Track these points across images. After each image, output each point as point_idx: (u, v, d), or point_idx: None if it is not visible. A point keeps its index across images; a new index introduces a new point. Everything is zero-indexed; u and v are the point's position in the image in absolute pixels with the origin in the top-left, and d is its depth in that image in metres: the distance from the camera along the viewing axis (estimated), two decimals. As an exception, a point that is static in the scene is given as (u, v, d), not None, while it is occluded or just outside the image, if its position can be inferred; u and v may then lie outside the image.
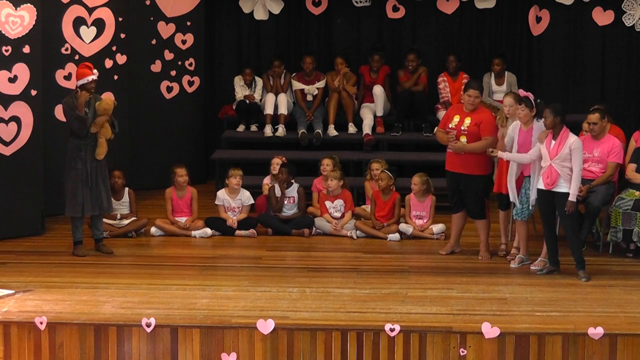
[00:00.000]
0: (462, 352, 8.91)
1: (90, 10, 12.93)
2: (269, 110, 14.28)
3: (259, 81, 14.62)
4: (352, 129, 14.21)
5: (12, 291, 9.87)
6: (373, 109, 14.29)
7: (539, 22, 14.72)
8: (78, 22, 12.82)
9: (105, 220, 11.69)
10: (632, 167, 11.53)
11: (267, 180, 12.81)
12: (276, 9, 14.86)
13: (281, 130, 14.16)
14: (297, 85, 14.43)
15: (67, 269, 10.75)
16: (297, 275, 10.56)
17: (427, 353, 8.91)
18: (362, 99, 14.45)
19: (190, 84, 14.53)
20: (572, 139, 10.26)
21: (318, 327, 9.00)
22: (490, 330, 8.87)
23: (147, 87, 14.13)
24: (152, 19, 14.08)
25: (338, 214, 12.38)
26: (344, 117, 14.29)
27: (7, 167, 11.67)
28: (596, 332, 8.84)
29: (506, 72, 14.30)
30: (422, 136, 14.13)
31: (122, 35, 13.39)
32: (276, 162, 12.64)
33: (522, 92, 10.74)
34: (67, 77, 12.68)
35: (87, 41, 12.95)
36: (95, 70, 11.17)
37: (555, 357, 8.87)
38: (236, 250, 11.68)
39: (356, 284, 10.30)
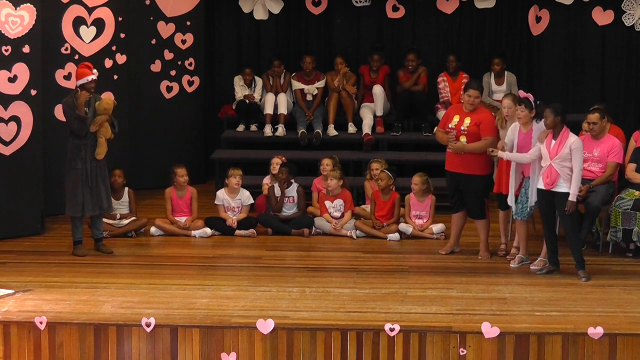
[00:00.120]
0: (462, 352, 8.91)
1: (90, 10, 12.93)
2: (269, 110, 14.28)
3: (259, 81, 14.62)
4: (352, 129, 14.21)
5: (12, 291, 9.87)
6: (373, 109, 14.29)
7: (539, 22, 14.72)
8: (78, 22, 12.82)
9: (105, 220, 11.69)
10: (632, 167, 11.53)
11: (267, 180, 12.81)
12: (276, 9, 14.86)
13: (281, 130, 14.16)
14: (297, 85, 14.43)
15: (67, 269, 10.75)
16: (297, 275, 10.56)
17: (427, 353, 8.91)
18: (362, 99, 14.45)
19: (190, 84, 14.53)
20: (573, 139, 10.26)
21: (318, 327, 9.01)
22: (490, 330, 8.87)
23: (147, 87, 14.13)
24: (152, 19, 14.09)
25: (338, 214, 12.38)
26: (344, 117, 14.30)
27: (7, 167, 11.67)
28: (596, 332, 8.84)
29: (506, 72, 14.30)
30: (422, 136, 14.13)
31: (122, 35, 13.39)
32: (276, 162, 12.64)
33: (522, 94, 10.74)
34: (67, 77, 12.68)
35: (87, 41, 12.95)
36: (95, 70, 11.17)
37: (555, 357, 8.88)
38: (236, 250, 11.68)
39: (356, 284, 10.30)
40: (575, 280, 10.39)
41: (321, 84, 14.41)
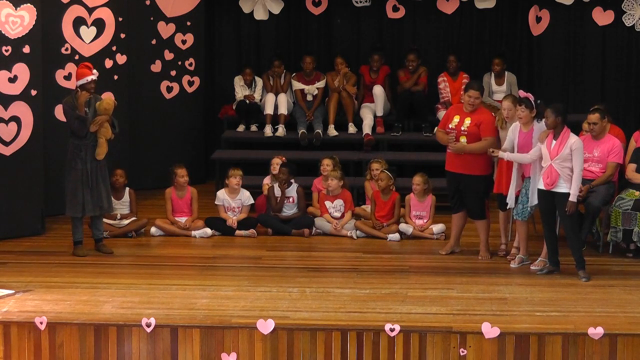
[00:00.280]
0: (462, 352, 8.91)
1: (90, 10, 12.93)
2: (269, 110, 14.28)
3: (259, 81, 14.62)
4: (352, 129, 14.21)
5: (12, 291, 9.87)
6: (373, 109, 14.29)
7: (539, 22, 14.72)
8: (78, 22, 12.82)
9: (105, 220, 11.70)
10: (632, 167, 11.53)
11: (267, 180, 12.81)
12: (276, 9, 14.86)
13: (281, 130, 14.16)
14: (297, 85, 14.43)
15: (67, 269, 10.75)
16: (297, 275, 10.56)
17: (427, 353, 8.91)
18: (362, 99, 14.45)
19: (190, 84, 14.53)
20: (573, 139, 10.26)
21: (318, 327, 9.01)
22: (490, 330, 8.87)
23: (147, 87, 14.13)
24: (152, 19, 14.08)
25: (338, 214, 12.38)
26: (344, 117, 14.29)
27: (7, 167, 11.67)
28: (596, 332, 8.84)
29: (506, 72, 14.30)
30: (422, 136, 14.12)
31: (122, 35, 13.39)
32: (276, 162, 12.64)
33: (522, 93, 10.74)
34: (67, 77, 12.68)
35: (87, 41, 12.95)
36: (95, 71, 11.17)
37: (555, 357, 8.88)
38: (236, 250, 11.68)
39: (356, 284, 10.30)
40: (575, 280, 10.39)
41: (321, 84, 14.41)
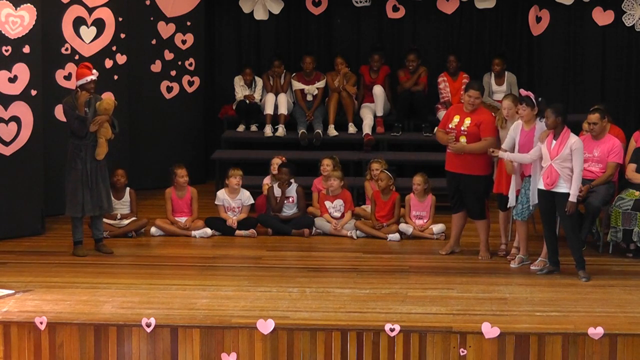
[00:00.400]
0: (462, 352, 8.91)
1: (90, 10, 12.93)
2: (269, 110, 14.28)
3: (259, 81, 14.62)
4: (352, 129, 14.21)
5: (12, 291, 9.87)
6: (373, 109, 14.29)
7: (539, 22, 14.72)
8: (78, 22, 12.82)
9: (105, 220, 11.70)
10: (632, 167, 11.53)
11: (267, 180, 12.81)
12: (276, 9, 14.86)
13: (281, 130, 14.15)
14: (297, 85, 14.43)
15: (67, 269, 10.75)
16: (297, 275, 10.56)
17: (427, 353, 8.91)
18: (362, 99, 14.45)
19: (190, 84, 14.53)
20: (573, 139, 10.26)
21: (318, 327, 9.00)
22: (490, 330, 8.87)
23: (147, 87, 14.13)
24: (152, 19, 14.08)
25: (338, 214, 12.38)
26: (344, 117, 14.29)
27: (7, 167, 11.67)
28: (596, 332, 8.84)
29: (506, 72, 14.30)
30: (422, 136, 14.12)
31: (122, 35, 13.39)
32: (276, 162, 12.64)
33: (522, 92, 10.74)
34: (67, 77, 12.68)
35: (87, 41, 12.95)
36: (94, 71, 11.17)
37: (555, 357, 8.88)
38: (236, 250, 11.68)
39: (356, 284, 10.30)
40: (575, 280, 10.39)
41: (321, 84, 14.41)
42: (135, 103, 13.87)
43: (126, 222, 12.12)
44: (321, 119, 14.22)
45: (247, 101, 14.43)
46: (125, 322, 9.10)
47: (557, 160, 10.24)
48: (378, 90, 14.24)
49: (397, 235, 12.01)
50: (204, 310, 9.37)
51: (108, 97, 11.34)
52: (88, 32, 12.94)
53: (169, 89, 14.36)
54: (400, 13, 14.88)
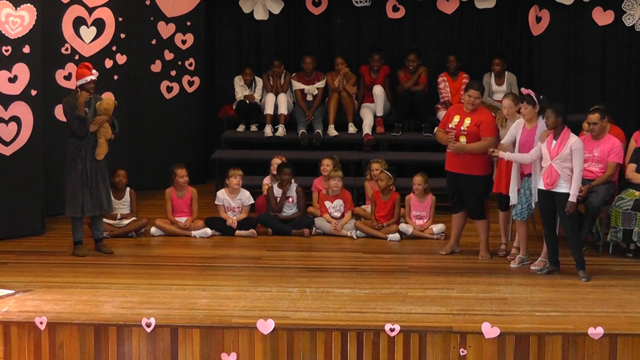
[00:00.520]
0: (462, 352, 8.91)
1: (90, 10, 12.93)
2: (269, 110, 14.28)
3: (259, 81, 14.62)
4: (352, 129, 14.21)
5: (12, 291, 9.87)
6: (373, 109, 14.29)
7: (539, 22, 14.71)
8: (78, 22, 12.82)
9: (105, 220, 11.70)
10: (632, 167, 11.53)
11: (267, 180, 12.81)
12: (276, 9, 14.86)
13: (281, 130, 14.15)
14: (297, 85, 14.43)
15: (67, 269, 10.75)
16: (297, 275, 10.56)
17: (427, 353, 8.91)
18: (362, 99, 14.45)
19: (190, 84, 14.53)
20: (573, 139, 10.26)
21: (318, 327, 9.00)
22: (490, 330, 8.87)
23: (147, 87, 14.13)
24: (152, 19, 14.08)
25: (338, 214, 12.38)
26: (344, 117, 14.29)
27: (7, 167, 11.67)
28: (596, 332, 8.84)
29: (506, 72, 14.30)
30: (422, 136, 14.12)
31: (122, 35, 13.39)
32: (276, 162, 12.64)
33: (524, 90, 10.73)
34: (67, 77, 12.68)
35: (87, 41, 12.95)
36: (94, 71, 11.17)
37: (555, 357, 8.88)
38: (236, 250, 11.68)
39: (356, 284, 10.30)
40: (575, 280, 10.39)
41: (321, 84, 14.41)
42: (135, 103, 13.87)
43: (126, 222, 12.12)
44: (321, 119, 14.22)
45: (247, 101, 14.42)
46: (125, 322, 9.10)
47: (557, 160, 10.24)
48: (378, 90, 14.24)
49: (397, 235, 12.01)
50: (204, 310, 9.37)
51: (108, 97, 11.34)
52: (88, 32, 12.94)
53: (169, 89, 14.36)
54: (400, 13, 14.88)
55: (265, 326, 8.98)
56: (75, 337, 9.09)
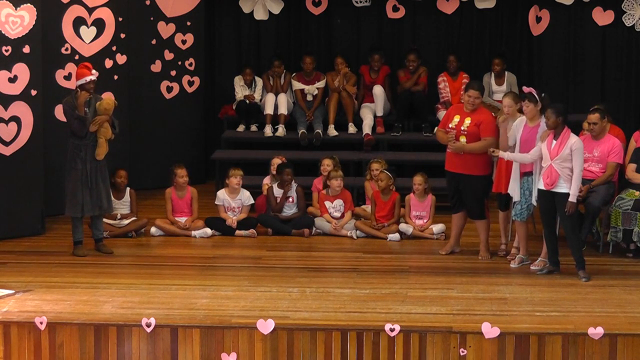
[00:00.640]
0: (462, 352, 8.91)
1: (90, 10, 12.93)
2: (269, 110, 14.28)
3: (259, 81, 14.61)
4: (352, 129, 14.21)
5: (12, 291, 9.87)
6: (373, 109, 14.29)
7: (539, 22, 14.71)
8: (78, 22, 12.82)
9: (105, 220, 11.69)
10: (632, 167, 11.53)
11: (267, 180, 12.81)
12: (276, 9, 14.86)
13: (281, 130, 14.15)
14: (297, 85, 14.43)
15: (67, 269, 10.75)
16: (297, 275, 10.56)
17: (427, 353, 8.91)
18: (362, 99, 14.45)
19: (190, 84, 14.53)
20: (574, 139, 10.26)
21: (318, 327, 9.00)
22: (490, 330, 8.87)
23: (147, 87, 14.13)
24: (152, 19, 14.08)
25: (338, 214, 12.38)
26: (344, 117, 14.29)
27: (7, 167, 11.67)
28: (596, 332, 8.84)
29: (506, 72, 14.30)
30: (422, 136, 14.12)
31: (122, 35, 13.39)
32: (276, 162, 12.64)
33: (525, 89, 10.72)
34: (67, 77, 12.68)
35: (87, 41, 12.95)
36: (94, 71, 11.17)
37: (555, 357, 8.88)
38: (236, 250, 11.68)
39: (356, 284, 10.30)
40: (575, 280, 10.39)
41: (321, 84, 14.41)
42: (135, 103, 13.87)
43: (126, 222, 12.12)
44: (321, 119, 14.22)
45: (247, 101, 14.42)
46: (125, 322, 9.10)
47: (557, 160, 10.24)
48: (378, 90, 14.24)
49: (397, 235, 12.01)
50: (204, 310, 9.37)
51: (108, 97, 11.34)
52: (88, 32, 12.94)
53: (169, 89, 14.36)
54: (400, 13, 14.88)
55: (265, 326, 8.98)
56: (75, 337, 9.09)
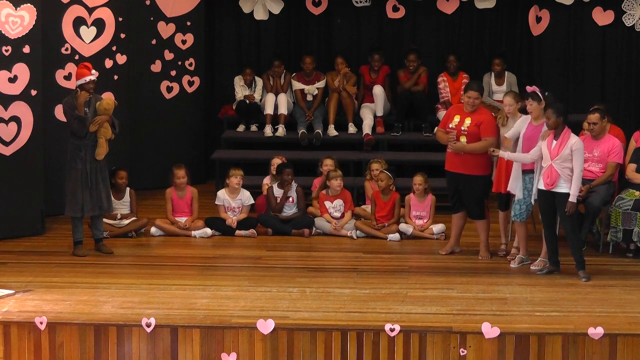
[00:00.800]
0: (462, 352, 8.91)
1: (90, 10, 12.93)
2: (269, 110, 14.28)
3: (259, 81, 14.61)
4: (352, 129, 14.21)
5: (12, 291, 9.87)
6: (373, 109, 14.29)
7: (539, 22, 14.71)
8: (78, 22, 12.82)
9: (105, 220, 11.69)
10: (632, 167, 11.53)
11: (267, 180, 12.81)
12: (276, 9, 14.86)
13: (281, 130, 14.15)
14: (297, 85, 14.43)
15: (67, 269, 10.76)
16: (297, 275, 10.56)
17: (427, 353, 8.91)
18: (362, 99, 14.45)
19: (190, 84, 14.52)
20: (574, 139, 10.26)
21: (318, 327, 9.01)
22: (490, 330, 8.87)
23: (147, 87, 14.13)
24: (152, 19, 14.08)
25: (338, 214, 12.38)
26: (344, 117, 14.29)
27: (7, 167, 11.67)
28: (596, 332, 8.84)
29: (506, 72, 14.30)
30: (422, 136, 14.12)
31: (122, 35, 13.39)
32: (276, 162, 12.64)
33: (528, 88, 10.70)
34: (67, 77, 12.68)
35: (87, 41, 12.95)
36: (94, 71, 11.17)
37: (555, 357, 8.88)
38: (236, 250, 11.68)
39: (356, 284, 10.30)
40: (575, 280, 10.39)
41: (321, 84, 14.41)
42: (135, 103, 13.87)
43: (126, 222, 12.12)
44: (321, 119, 14.22)
45: (247, 101, 14.42)
46: (125, 322, 9.10)
47: (558, 160, 10.24)
48: (378, 90, 14.24)
49: (397, 235, 12.01)
50: (204, 310, 9.37)
51: (108, 97, 11.35)
52: (88, 32, 12.94)
53: (169, 89, 14.36)
54: (400, 13, 14.87)
55: (265, 326, 8.98)
56: (75, 337, 9.09)
